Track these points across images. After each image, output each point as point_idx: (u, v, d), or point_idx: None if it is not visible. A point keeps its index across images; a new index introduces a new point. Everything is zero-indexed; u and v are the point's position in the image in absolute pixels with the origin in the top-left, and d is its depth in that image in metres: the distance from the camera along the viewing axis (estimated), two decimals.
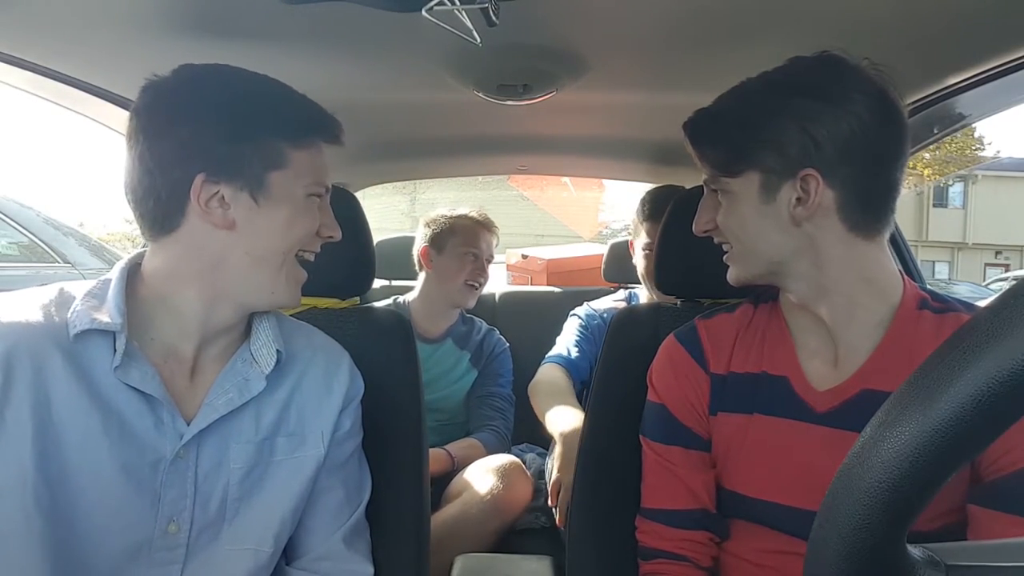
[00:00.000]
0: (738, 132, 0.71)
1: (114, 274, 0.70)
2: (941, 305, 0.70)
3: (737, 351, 0.79)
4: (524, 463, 1.62)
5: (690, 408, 0.81)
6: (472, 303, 1.73)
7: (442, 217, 1.74)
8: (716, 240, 0.77)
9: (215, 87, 0.68)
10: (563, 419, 1.30)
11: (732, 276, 0.76)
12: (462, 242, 1.69)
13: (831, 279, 0.70)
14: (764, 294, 0.82)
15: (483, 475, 1.37)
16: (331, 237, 0.75)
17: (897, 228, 1.43)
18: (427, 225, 1.74)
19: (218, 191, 0.66)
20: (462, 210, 1.77)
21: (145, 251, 0.73)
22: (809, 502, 0.70)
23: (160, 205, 0.67)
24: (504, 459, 1.43)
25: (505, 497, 1.33)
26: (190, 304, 0.69)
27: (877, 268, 0.70)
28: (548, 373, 1.52)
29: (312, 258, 0.75)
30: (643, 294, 1.68)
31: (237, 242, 0.68)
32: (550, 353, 1.60)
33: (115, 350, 0.65)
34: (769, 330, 0.78)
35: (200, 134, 0.66)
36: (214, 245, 0.68)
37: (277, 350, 0.75)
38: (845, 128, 0.66)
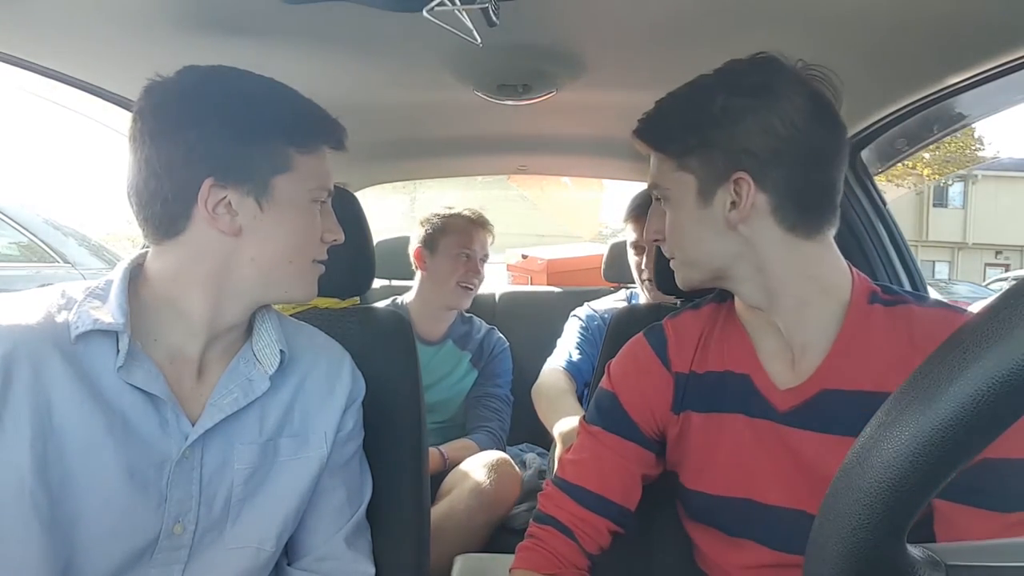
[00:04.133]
0: (673, 134, 0.71)
1: (116, 274, 0.69)
2: (891, 298, 0.69)
3: (701, 350, 0.78)
4: (524, 463, 1.62)
5: (644, 404, 0.79)
6: (466, 304, 1.71)
7: (435, 216, 1.72)
8: (664, 250, 0.77)
9: (222, 89, 0.68)
10: (562, 419, 1.31)
11: (679, 281, 0.76)
12: (455, 242, 1.67)
13: (775, 281, 0.69)
14: (727, 292, 0.81)
15: (472, 471, 1.37)
16: (335, 240, 0.75)
17: (897, 228, 1.43)
18: (421, 225, 1.72)
19: (225, 196, 0.66)
20: (455, 209, 1.74)
21: (147, 252, 0.72)
22: (774, 498, 0.71)
23: (167, 208, 0.66)
24: (493, 455, 1.43)
25: (493, 492, 1.33)
26: (196, 305, 0.69)
27: (821, 266, 0.70)
28: (549, 377, 1.52)
29: (321, 268, 0.75)
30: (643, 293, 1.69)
31: (243, 249, 0.68)
32: (552, 356, 1.60)
33: (118, 351, 0.64)
34: (727, 329, 0.77)
35: (208, 137, 0.65)
36: (220, 251, 0.68)
37: (281, 350, 0.75)
38: (774, 130, 0.65)
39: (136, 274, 0.71)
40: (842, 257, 0.72)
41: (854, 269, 0.72)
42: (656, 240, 0.77)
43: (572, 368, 1.53)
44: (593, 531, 0.77)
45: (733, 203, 0.68)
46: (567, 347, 1.59)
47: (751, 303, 0.73)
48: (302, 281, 0.73)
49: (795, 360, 0.71)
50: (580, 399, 1.47)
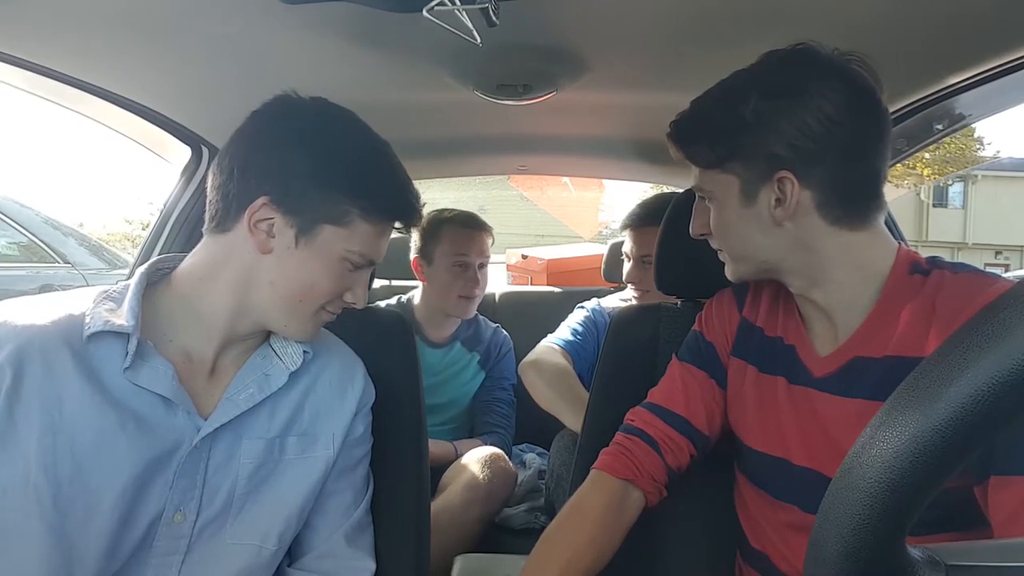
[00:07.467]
0: (711, 137, 0.71)
1: (134, 279, 0.71)
2: (930, 267, 0.70)
3: (769, 311, 0.82)
4: (524, 463, 1.62)
5: (720, 336, 0.86)
6: (470, 314, 1.67)
7: (426, 222, 1.64)
8: (712, 244, 0.78)
9: (322, 127, 0.71)
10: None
11: (728, 274, 0.78)
12: (449, 251, 1.61)
13: (821, 271, 0.71)
14: None
15: (467, 466, 1.38)
16: (353, 304, 0.76)
17: (897, 228, 1.43)
18: (417, 231, 1.65)
19: (272, 218, 0.68)
20: (448, 210, 1.68)
21: (170, 257, 0.75)
22: (803, 460, 0.74)
23: (226, 203, 0.69)
24: (486, 450, 1.43)
25: (487, 486, 1.34)
26: (216, 308, 0.71)
27: (868, 254, 0.70)
28: (547, 355, 1.47)
29: (332, 317, 0.76)
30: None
31: (265, 269, 0.70)
32: (549, 336, 1.56)
33: (127, 352, 0.66)
34: (789, 301, 0.80)
35: (285, 162, 0.68)
36: (246, 262, 0.70)
37: (304, 350, 0.77)
38: (810, 129, 0.65)
39: (156, 279, 0.73)
40: (891, 238, 0.72)
41: (903, 246, 0.72)
42: (702, 235, 0.78)
43: (570, 347, 1.50)
44: (677, 449, 0.82)
45: (778, 200, 0.68)
46: (567, 330, 1.56)
47: (797, 290, 0.75)
48: (301, 323, 0.73)
49: (836, 332, 0.73)
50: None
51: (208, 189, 0.72)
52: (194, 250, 0.74)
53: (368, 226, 0.71)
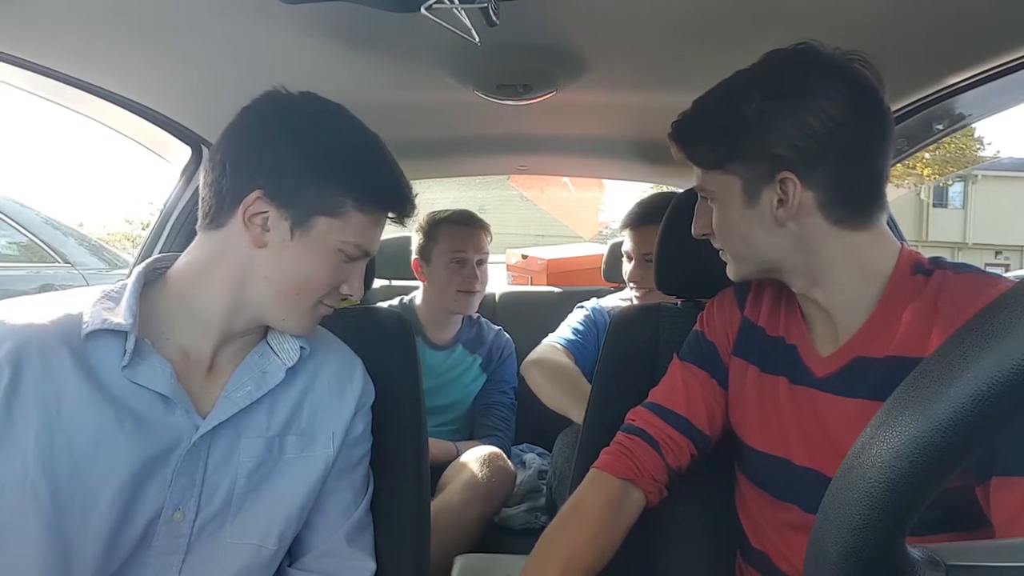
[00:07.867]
0: (713, 138, 0.71)
1: (131, 278, 0.72)
2: (932, 268, 0.70)
3: (771, 310, 0.82)
4: (524, 463, 1.62)
5: (721, 335, 0.86)
6: (471, 310, 1.68)
7: (424, 223, 1.67)
8: (714, 244, 0.78)
9: (312, 120, 0.71)
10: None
11: (730, 273, 0.78)
12: (447, 249, 1.63)
13: (823, 271, 0.71)
14: None
15: (466, 465, 1.38)
16: (349, 296, 0.76)
17: (897, 228, 1.43)
18: (416, 232, 1.69)
19: (267, 212, 0.68)
20: (444, 211, 1.69)
21: (166, 256, 0.75)
22: (804, 460, 0.74)
23: (219, 199, 0.69)
24: (485, 450, 1.43)
25: (486, 485, 1.34)
26: (212, 306, 0.71)
27: (870, 254, 0.70)
28: (549, 353, 1.48)
29: (329, 311, 0.76)
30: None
31: (262, 263, 0.70)
32: (550, 336, 1.57)
33: (125, 350, 0.66)
34: (792, 300, 0.80)
35: (277, 157, 0.68)
36: (241, 258, 0.70)
37: (301, 346, 0.77)
38: (812, 130, 0.65)
39: (153, 278, 0.73)
40: (893, 239, 0.72)
41: (905, 246, 0.72)
42: (704, 235, 0.78)
43: (571, 347, 1.50)
44: (677, 449, 0.82)
45: (780, 201, 0.68)
46: (568, 329, 1.57)
47: (799, 290, 0.75)
48: (299, 317, 0.73)
49: (838, 332, 0.73)
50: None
51: (200, 186, 0.72)
52: (188, 248, 0.73)
53: (362, 216, 0.71)
